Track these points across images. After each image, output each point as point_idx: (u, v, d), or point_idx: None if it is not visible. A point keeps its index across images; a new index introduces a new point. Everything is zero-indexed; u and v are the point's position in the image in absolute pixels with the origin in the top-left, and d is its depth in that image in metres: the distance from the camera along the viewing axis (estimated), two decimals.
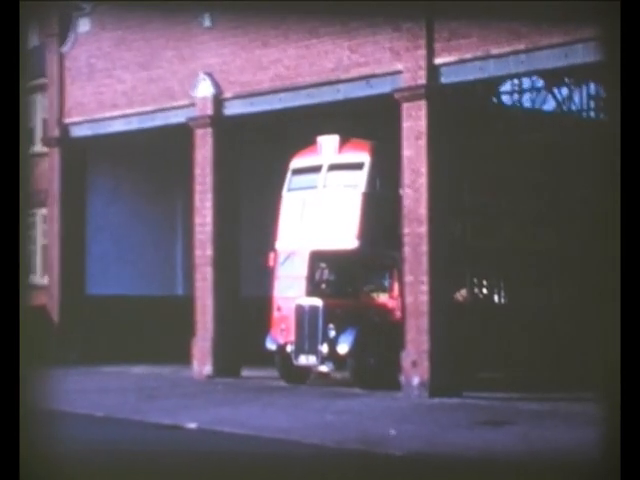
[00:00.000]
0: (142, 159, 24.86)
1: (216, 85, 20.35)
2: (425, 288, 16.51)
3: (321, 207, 18.83)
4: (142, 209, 25.21)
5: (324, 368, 18.03)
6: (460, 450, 11.34)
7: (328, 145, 18.84)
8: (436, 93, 16.89)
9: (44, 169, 25.50)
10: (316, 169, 18.95)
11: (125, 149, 24.28)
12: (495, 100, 22.82)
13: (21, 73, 6.89)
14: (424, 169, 16.73)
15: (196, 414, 14.17)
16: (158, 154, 24.81)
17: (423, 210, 16.72)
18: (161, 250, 25.37)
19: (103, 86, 22.99)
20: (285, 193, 19.49)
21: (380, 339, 17.84)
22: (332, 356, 17.68)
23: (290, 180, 19.47)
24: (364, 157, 18.50)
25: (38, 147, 26.57)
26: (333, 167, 18.74)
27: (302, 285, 18.51)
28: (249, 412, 14.82)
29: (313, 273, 18.79)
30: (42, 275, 26.22)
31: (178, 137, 21.50)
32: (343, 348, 17.57)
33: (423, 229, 16.66)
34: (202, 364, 20.05)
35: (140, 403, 15.98)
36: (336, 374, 18.55)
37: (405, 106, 17.03)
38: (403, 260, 16.94)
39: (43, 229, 26.37)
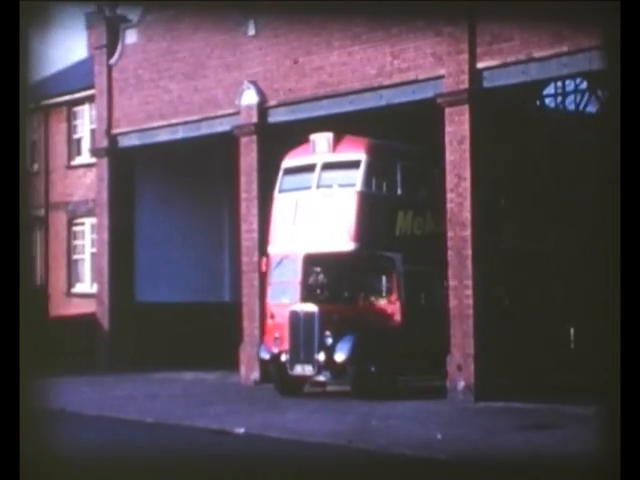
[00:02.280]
0: (189, 168, 25.13)
1: (260, 93, 20.54)
2: (469, 292, 16.51)
3: (315, 208, 17.92)
4: (189, 217, 25.47)
5: (321, 378, 17.05)
6: (506, 454, 11.33)
7: (322, 143, 17.96)
8: (479, 97, 16.88)
9: (92, 179, 25.95)
10: (309, 168, 18.03)
11: (172, 158, 24.56)
12: (538, 103, 22.68)
13: (21, 74, 7.02)
14: (467, 173, 16.73)
15: (244, 419, 14.29)
16: (204, 162, 25.07)
17: (467, 214, 16.71)
18: (208, 257, 25.61)
19: (150, 96, 23.31)
20: (277, 194, 18.63)
21: (380, 346, 16.96)
22: (329, 365, 16.71)
23: (282, 180, 18.56)
24: (360, 155, 17.62)
25: (86, 158, 27.05)
26: (327, 166, 17.84)
27: (296, 291, 17.52)
28: (295, 417, 14.90)
29: (307, 278, 17.74)
30: (91, 283, 26.63)
31: (223, 145, 21.72)
32: (341, 356, 16.60)
33: (467, 233, 16.66)
34: (249, 370, 20.21)
35: (189, 409, 16.17)
36: (333, 384, 17.59)
37: (448, 111, 17.05)
38: (446, 264, 16.86)
39: (92, 238, 26.78)
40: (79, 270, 27.74)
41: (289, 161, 18.62)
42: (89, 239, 27.23)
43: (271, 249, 18.44)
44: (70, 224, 28.04)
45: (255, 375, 20.11)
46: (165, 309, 24.36)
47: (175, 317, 24.27)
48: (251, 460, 11.31)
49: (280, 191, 18.58)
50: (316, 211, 17.86)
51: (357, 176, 17.50)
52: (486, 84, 16.83)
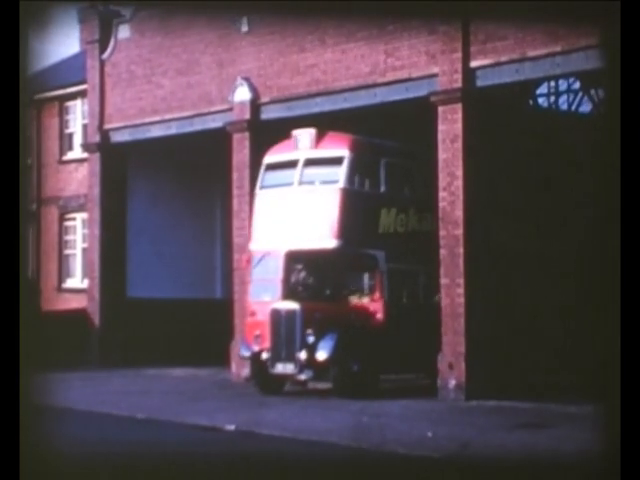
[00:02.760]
0: (181, 164, 25.12)
1: (253, 90, 20.52)
2: (461, 290, 16.54)
3: (297, 205, 17.65)
4: (181, 213, 25.46)
5: (302, 376, 16.75)
6: (498, 453, 11.36)
7: (304, 139, 17.69)
8: (472, 96, 16.92)
9: (84, 174, 25.89)
10: (292, 164, 17.76)
11: (164, 154, 24.54)
12: (531, 102, 22.71)
13: (21, 74, 7.01)
14: (460, 172, 16.76)
15: (234, 416, 14.32)
16: (197, 159, 25.04)
17: (459, 212, 16.74)
18: (200, 254, 25.60)
19: (142, 92, 23.26)
20: (258, 190, 18.48)
21: (362, 344, 16.73)
22: (311, 363, 16.45)
23: (263, 176, 18.37)
24: (343, 152, 17.39)
25: (78, 153, 26.99)
26: (310, 162, 17.55)
27: (278, 288, 17.26)
28: (286, 414, 14.92)
29: (289, 275, 17.50)
30: (82, 279, 26.59)
31: (216, 142, 21.71)
32: (323, 355, 16.36)
33: (459, 231, 16.69)
34: (240, 367, 20.17)
35: (180, 405, 16.18)
36: (315, 382, 17.35)
37: (441, 109, 17.08)
38: (439, 262, 16.90)
39: (83, 233, 26.73)
40: (70, 265, 27.70)
41: (271, 157, 18.43)
42: (80, 234, 27.19)
43: (252, 246, 18.29)
44: (62, 219, 27.99)
45: (246, 372, 20.04)
46: (156, 305, 24.34)
47: (166, 313, 24.27)
48: (242, 457, 11.32)
49: (262, 187, 18.41)
50: (298, 208, 17.64)
51: (340, 173, 17.31)
52: (479, 83, 16.86)
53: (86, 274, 25.73)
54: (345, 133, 18.08)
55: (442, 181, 17.00)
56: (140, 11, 23.48)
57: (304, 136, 17.73)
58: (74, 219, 27.61)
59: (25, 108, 7.06)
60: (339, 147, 17.51)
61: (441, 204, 17.00)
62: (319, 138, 17.60)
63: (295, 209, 17.67)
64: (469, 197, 16.74)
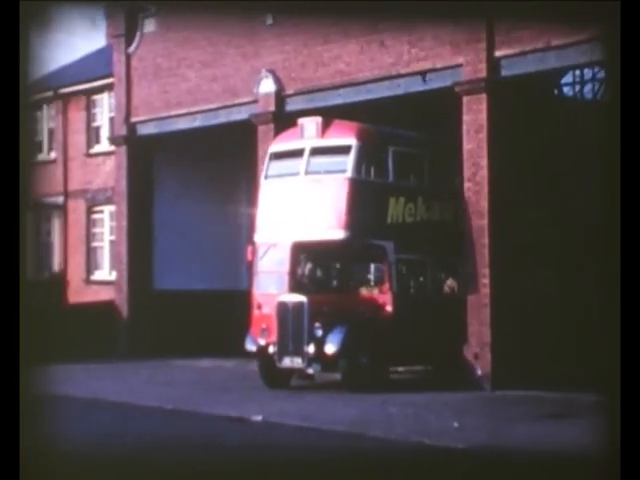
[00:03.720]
0: (207, 156, 25.22)
1: (278, 82, 20.58)
2: (486, 281, 16.54)
3: (304, 195, 17.10)
4: (207, 205, 25.55)
5: (310, 370, 16.39)
6: (524, 443, 11.37)
7: (310, 127, 17.14)
8: (496, 86, 16.87)
9: (111, 167, 26.09)
10: (297, 153, 17.25)
11: (190, 146, 24.66)
12: (556, 92, 22.58)
13: (21, 73, 7.09)
14: (484, 162, 16.73)
15: (261, 407, 14.38)
16: (222, 151, 25.14)
17: (484, 203, 16.73)
18: (226, 245, 25.68)
19: (168, 85, 23.39)
20: (263, 180, 17.96)
21: (371, 337, 16.32)
22: (319, 357, 16.07)
23: (268, 166, 17.86)
24: (350, 140, 16.81)
25: (105, 146, 27.18)
26: (316, 151, 17.03)
27: (284, 280, 16.87)
28: (313, 405, 14.98)
29: (296, 267, 17.11)
30: (110, 271, 26.80)
31: (241, 133, 21.78)
32: (331, 348, 16.00)
33: (484, 222, 16.68)
34: None
35: (207, 396, 16.29)
36: (323, 376, 16.98)
37: (465, 99, 17.05)
38: (464, 253, 16.88)
39: (110, 226, 26.94)
40: (98, 257, 27.91)
41: (276, 146, 18.05)
42: (108, 227, 27.40)
43: (257, 237, 17.74)
44: (89, 212, 28.20)
45: None
46: (183, 296, 24.49)
47: (193, 304, 24.39)
48: (269, 448, 11.39)
49: (267, 177, 17.92)
50: (305, 198, 17.13)
51: (347, 162, 16.79)
52: (504, 72, 16.81)
53: (114, 266, 25.94)
54: (352, 122, 17.60)
55: (467, 171, 16.98)
56: (165, 5, 23.59)
57: (310, 125, 17.24)
58: (101, 212, 27.82)
59: (27, 107, 7.13)
60: (346, 136, 17.00)
61: (466, 194, 16.99)
62: (325, 127, 17.08)
63: (301, 199, 17.18)
64: (494, 187, 16.71)
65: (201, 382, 18.56)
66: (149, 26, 24.05)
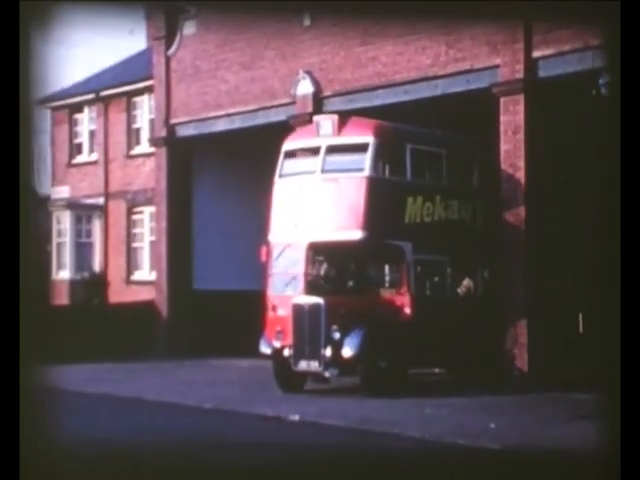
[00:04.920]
0: (245, 157, 25.36)
1: (316, 83, 20.70)
2: (521, 281, 16.52)
3: (319, 194, 16.60)
4: (245, 205, 25.65)
5: (327, 374, 15.92)
6: (559, 444, 11.35)
7: (326, 125, 16.62)
8: (534, 87, 16.86)
9: (151, 168, 26.36)
10: (313, 151, 16.84)
11: (229, 147, 24.83)
12: (594, 92, 22.44)
13: (22, 72, 7.18)
14: (522, 163, 16.74)
15: (299, 406, 14.46)
16: (261, 152, 25.26)
17: (521, 204, 16.73)
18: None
19: (207, 86, 23.60)
20: (277, 179, 17.45)
21: (390, 340, 15.84)
22: (336, 361, 15.61)
23: (283, 164, 17.36)
24: (368, 138, 16.25)
25: (145, 147, 27.47)
26: (333, 149, 16.49)
27: (300, 282, 16.46)
28: (350, 405, 15.03)
29: (311, 268, 16.72)
30: (150, 271, 27.07)
31: (279, 135, 21.87)
32: (349, 352, 15.51)
33: (520, 222, 16.68)
34: None
35: (245, 395, 16.42)
36: (337, 379, 16.45)
37: (503, 100, 17.07)
38: (501, 254, 16.84)
39: (150, 226, 27.21)
40: (138, 258, 28.19)
41: (290, 143, 17.53)
42: (148, 227, 27.66)
43: (272, 237, 17.28)
44: (129, 212, 28.50)
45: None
46: (222, 297, 24.64)
47: (232, 305, 24.53)
48: (305, 447, 11.48)
49: (281, 176, 17.41)
50: (321, 197, 16.63)
51: (365, 160, 16.23)
52: (542, 73, 16.81)
53: (153, 267, 26.19)
54: (369, 119, 17.26)
55: (504, 173, 16.97)
56: (205, 6, 23.80)
57: (326, 122, 16.76)
58: (141, 212, 28.10)
59: (27, 111, 7.23)
60: (363, 133, 16.47)
61: (503, 195, 16.98)
62: (342, 124, 16.54)
63: (317, 198, 16.69)
64: (531, 188, 16.70)
65: (240, 382, 18.70)
66: (189, 28, 24.28)
